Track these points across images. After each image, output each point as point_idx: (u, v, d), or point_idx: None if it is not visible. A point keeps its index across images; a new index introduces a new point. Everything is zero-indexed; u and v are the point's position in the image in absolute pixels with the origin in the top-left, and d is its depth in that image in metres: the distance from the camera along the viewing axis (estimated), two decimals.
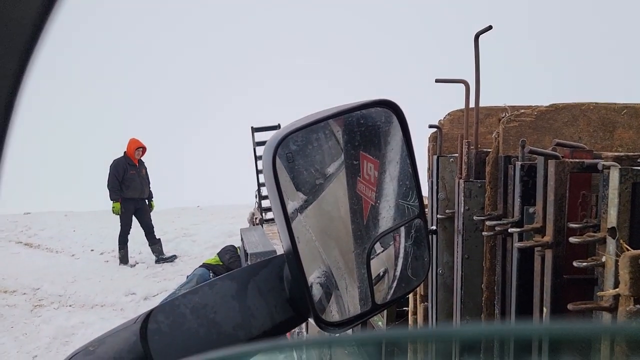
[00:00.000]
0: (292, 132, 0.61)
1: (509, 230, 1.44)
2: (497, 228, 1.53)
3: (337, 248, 0.66)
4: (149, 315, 0.55)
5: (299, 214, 0.61)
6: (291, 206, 0.60)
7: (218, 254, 6.40)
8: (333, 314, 0.64)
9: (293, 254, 0.56)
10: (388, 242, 0.72)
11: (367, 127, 0.66)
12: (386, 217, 0.68)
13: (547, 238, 1.31)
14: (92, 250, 9.15)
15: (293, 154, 0.62)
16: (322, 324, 0.60)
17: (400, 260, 0.72)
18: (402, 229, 0.71)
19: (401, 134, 0.66)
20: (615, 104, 1.75)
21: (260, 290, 0.60)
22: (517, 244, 1.39)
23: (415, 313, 2.13)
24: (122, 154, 8.02)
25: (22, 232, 10.42)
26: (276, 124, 8.18)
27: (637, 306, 1.01)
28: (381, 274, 0.71)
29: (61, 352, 4.82)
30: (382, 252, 0.71)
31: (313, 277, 0.61)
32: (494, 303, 1.64)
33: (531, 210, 1.43)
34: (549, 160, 1.31)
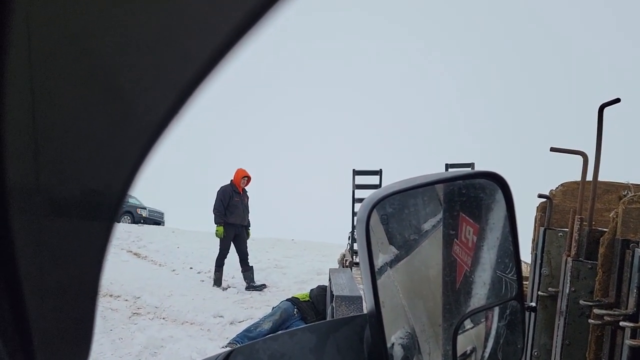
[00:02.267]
0: (390, 195, 0.61)
1: (621, 324, 1.29)
2: (607, 318, 1.38)
3: (425, 310, 0.64)
4: (228, 355, 0.57)
5: (388, 267, 0.60)
6: (382, 259, 0.60)
7: (310, 291, 6.44)
8: None
9: (376, 317, 0.56)
10: (480, 318, 0.68)
11: (469, 195, 0.65)
12: (481, 288, 0.65)
13: None
14: (190, 268, 9.70)
15: (388, 216, 0.62)
16: None
17: (491, 342, 0.68)
18: (497, 308, 0.68)
19: (505, 209, 0.64)
20: None
21: (339, 347, 0.60)
22: (628, 341, 1.24)
23: None
24: (229, 182, 8.52)
25: (134, 242, 11.38)
26: (378, 169, 8.23)
27: None
28: (468, 352, 0.68)
29: None
30: (471, 328, 0.68)
31: (395, 336, 0.60)
32: None
33: None
34: None
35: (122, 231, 12.14)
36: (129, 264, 9.58)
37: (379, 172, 8.15)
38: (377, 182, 8.08)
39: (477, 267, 0.64)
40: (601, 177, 1.75)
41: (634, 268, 1.34)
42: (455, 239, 0.63)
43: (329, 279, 6.11)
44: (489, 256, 0.64)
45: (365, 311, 0.58)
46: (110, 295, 7.23)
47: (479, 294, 0.65)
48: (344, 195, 8.53)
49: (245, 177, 8.55)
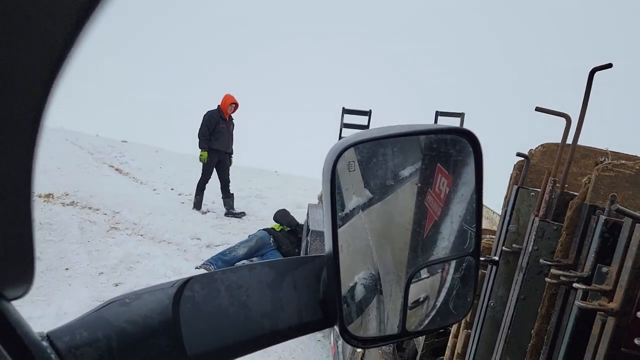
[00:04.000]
0: (359, 143, 0.61)
1: (574, 285, 1.34)
2: (563, 278, 1.43)
3: (392, 255, 0.65)
4: (186, 282, 0.57)
5: (361, 210, 0.61)
6: (355, 201, 0.60)
7: (274, 217, 6.58)
8: (360, 327, 0.64)
9: (333, 260, 0.57)
10: (436, 269, 0.70)
11: (448, 148, 0.64)
12: (446, 238, 0.66)
13: (614, 305, 1.21)
14: (172, 189, 9.76)
15: (365, 161, 0.62)
16: (346, 335, 0.60)
17: (444, 292, 0.70)
18: (454, 260, 0.69)
19: (474, 167, 0.64)
20: None
21: (296, 285, 0.61)
22: (579, 302, 1.30)
23: (456, 337, 2.07)
24: (215, 107, 8.39)
25: (116, 157, 11.31)
26: (368, 109, 8.15)
27: None
28: (421, 299, 0.69)
29: (124, 275, 5.23)
30: (427, 277, 0.69)
31: (359, 276, 0.62)
32: (540, 352, 1.55)
33: (604, 270, 1.32)
34: (637, 225, 1.20)
35: (105, 145, 12.04)
36: (110, 178, 9.58)
37: (368, 113, 8.06)
38: (366, 123, 8.01)
39: (445, 219, 0.65)
40: (584, 143, 1.76)
41: (596, 234, 1.37)
42: (429, 189, 0.63)
43: (307, 214, 6.23)
44: (457, 209, 0.65)
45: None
46: (90, 208, 7.28)
47: (443, 245, 0.66)
48: (332, 132, 8.49)
49: (233, 103, 8.41)
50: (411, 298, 0.64)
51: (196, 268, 5.67)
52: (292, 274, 0.61)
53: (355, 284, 0.61)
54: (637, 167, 1.51)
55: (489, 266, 1.85)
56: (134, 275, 5.25)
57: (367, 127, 7.69)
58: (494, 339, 1.78)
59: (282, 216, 6.52)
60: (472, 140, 0.63)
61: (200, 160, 8.39)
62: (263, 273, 0.60)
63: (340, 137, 8.25)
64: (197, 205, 8.49)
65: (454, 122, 7.84)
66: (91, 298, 4.52)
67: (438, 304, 0.69)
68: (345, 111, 8.04)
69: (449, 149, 0.65)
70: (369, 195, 0.61)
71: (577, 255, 1.48)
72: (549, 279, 1.51)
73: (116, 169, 10.50)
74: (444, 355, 2.16)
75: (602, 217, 1.36)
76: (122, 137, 13.85)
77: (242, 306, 0.56)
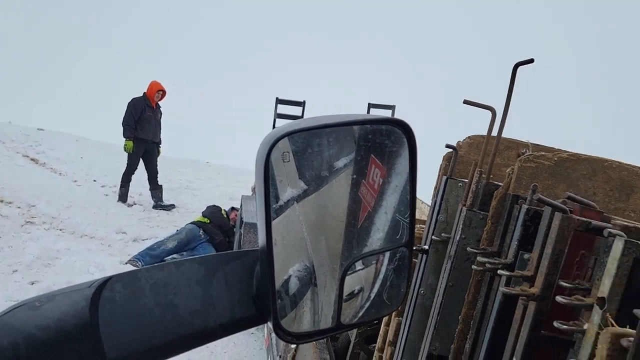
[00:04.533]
0: (294, 132, 0.59)
1: (498, 272, 1.40)
2: (488, 265, 1.49)
3: (326, 246, 0.63)
4: (106, 281, 0.53)
5: (295, 202, 0.59)
6: (289, 193, 0.59)
7: (203, 213, 6.44)
8: (297, 321, 0.62)
9: (267, 253, 0.55)
10: (371, 260, 0.69)
11: (382, 139, 0.64)
12: (379, 230, 0.65)
13: (535, 290, 1.27)
14: (94, 180, 9.24)
15: (300, 151, 0.60)
16: (280, 331, 0.58)
17: (378, 284, 0.70)
18: (388, 252, 0.69)
19: (408, 158, 0.64)
20: (639, 167, 1.69)
21: (227, 281, 0.58)
22: (503, 288, 1.35)
23: (388, 325, 2.11)
24: (141, 94, 8.02)
25: (32, 147, 10.53)
26: (302, 100, 8.14)
27: None
28: (356, 291, 0.69)
29: (41, 272, 4.90)
30: (362, 269, 0.69)
31: (294, 269, 0.60)
32: (467, 337, 1.61)
33: (526, 256, 1.39)
34: (556, 213, 1.27)
35: (19, 133, 11.17)
36: (25, 169, 8.90)
37: (302, 104, 8.05)
38: (300, 114, 8.01)
39: (379, 210, 0.65)
40: (509, 135, 1.84)
41: (518, 222, 1.44)
42: (363, 180, 0.63)
43: (240, 206, 6.13)
44: (391, 200, 0.65)
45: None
46: (1, 201, 6.73)
47: (377, 236, 0.66)
48: (266, 123, 8.40)
49: (160, 90, 8.07)
50: (346, 290, 0.64)
51: (123, 264, 5.42)
52: (223, 269, 0.59)
53: (290, 276, 0.60)
54: (556, 159, 1.59)
55: (419, 255, 1.90)
56: (52, 273, 4.92)
57: (301, 117, 7.68)
58: (424, 326, 1.83)
59: (213, 215, 6.37)
60: (406, 130, 0.63)
61: (126, 150, 8.01)
62: (192, 270, 0.57)
63: (274, 128, 8.18)
64: (123, 197, 8.11)
65: (386, 114, 8.02)
66: (4, 298, 4.19)
67: (372, 295, 0.69)
68: (279, 101, 7.98)
69: (383, 140, 0.64)
70: (304, 187, 0.60)
71: (501, 243, 1.55)
72: (475, 267, 1.56)
73: (32, 159, 9.77)
74: (376, 343, 2.20)
75: (524, 206, 1.42)
76: (38, 124, 12.91)
77: (169, 305, 0.53)
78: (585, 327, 1.11)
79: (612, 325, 1.03)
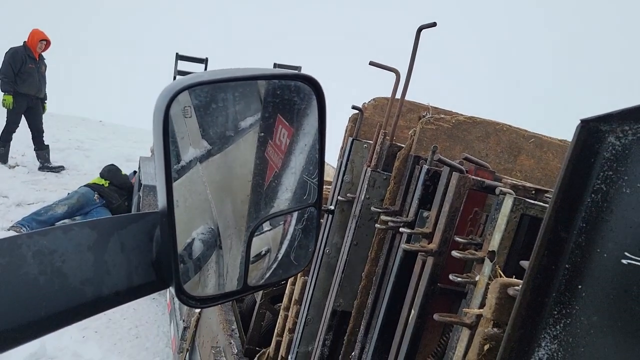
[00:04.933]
0: (197, 84, 0.54)
1: (400, 230, 1.45)
2: (390, 224, 1.54)
3: (232, 208, 0.61)
4: None
5: (198, 162, 0.56)
6: (192, 153, 0.56)
7: (101, 173, 6.04)
8: (199, 285, 0.60)
9: (168, 216, 0.51)
10: (278, 221, 0.68)
11: (285, 97, 0.62)
12: (287, 190, 0.64)
13: (432, 246, 1.34)
14: None
15: (203, 108, 0.56)
16: (183, 295, 0.56)
17: (286, 244, 0.70)
18: (296, 212, 0.69)
19: (317, 115, 0.63)
20: (525, 130, 1.83)
21: (123, 246, 0.54)
22: (403, 245, 1.41)
23: (293, 284, 2.13)
24: (21, 44, 7.18)
25: None
26: (204, 57, 7.78)
27: (494, 329, 1.06)
28: (263, 252, 0.68)
29: None
30: (269, 230, 0.68)
31: (197, 231, 0.58)
32: (369, 293, 1.67)
33: (425, 214, 1.45)
34: (454, 172, 1.33)
35: None
36: None
37: (204, 61, 7.71)
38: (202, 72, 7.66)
39: (286, 170, 0.64)
40: (414, 98, 1.88)
41: (419, 182, 1.49)
42: (269, 140, 0.61)
43: (139, 167, 5.81)
44: (298, 160, 0.65)
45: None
46: None
47: (284, 197, 0.65)
48: (166, 80, 7.93)
49: (43, 40, 7.27)
50: (253, 252, 0.63)
51: (5, 230, 4.94)
52: (119, 234, 0.55)
53: (193, 240, 0.57)
54: (454, 122, 1.67)
55: (325, 215, 1.92)
56: None
57: None
58: (329, 284, 1.87)
59: (112, 174, 5.96)
60: (315, 87, 0.62)
61: (4, 106, 7.18)
62: (82, 235, 0.52)
63: None
64: (3, 158, 7.32)
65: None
66: None
67: (280, 256, 0.69)
68: (179, 57, 7.59)
69: (292, 96, 0.62)
70: (207, 147, 0.57)
71: (402, 202, 1.61)
72: (378, 225, 1.61)
73: None
74: (281, 303, 2.23)
75: (425, 167, 1.48)
76: None
77: (56, 273, 0.49)
78: (477, 279, 1.19)
79: (501, 277, 1.11)
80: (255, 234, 0.62)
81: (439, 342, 1.40)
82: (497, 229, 1.18)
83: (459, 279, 1.21)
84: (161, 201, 0.52)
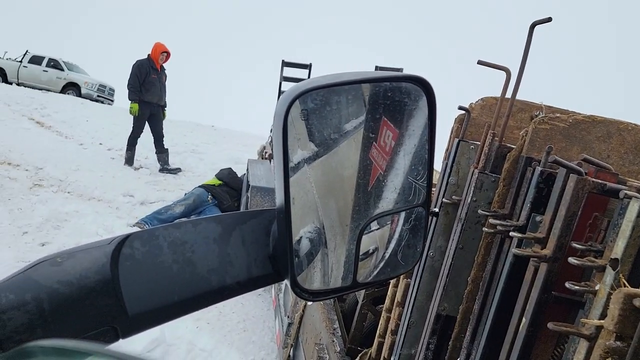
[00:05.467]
0: (313, 89, 0.58)
1: (510, 234, 1.40)
2: (499, 227, 1.49)
3: (336, 208, 0.63)
4: (125, 239, 0.54)
5: (305, 164, 0.59)
6: (299, 155, 0.58)
7: (219, 177, 6.45)
8: (311, 280, 0.63)
9: (285, 212, 0.55)
10: (386, 221, 0.69)
11: (394, 99, 0.63)
12: (391, 192, 0.65)
13: (547, 251, 1.27)
14: (100, 143, 9.25)
15: (310, 111, 0.59)
16: (297, 289, 0.59)
17: (393, 243, 0.70)
18: (403, 212, 0.69)
19: (427, 116, 0.63)
20: None
21: (244, 240, 0.58)
22: (514, 250, 1.35)
23: (396, 286, 2.13)
24: (145, 56, 7.92)
25: (37, 109, 10.51)
26: (308, 62, 8.02)
27: (617, 343, 0.99)
28: (370, 251, 0.69)
29: (51, 234, 4.96)
30: (377, 229, 0.69)
31: (304, 230, 0.60)
32: (476, 298, 1.63)
33: (538, 219, 1.38)
34: (571, 174, 1.25)
35: (24, 96, 11.12)
36: (31, 132, 8.91)
37: (308, 66, 7.95)
38: (306, 77, 7.92)
39: (390, 172, 0.64)
40: (522, 97, 1.80)
41: (531, 184, 1.42)
42: (374, 142, 0.62)
43: (247, 169, 6.14)
44: (403, 162, 0.65)
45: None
46: (9, 164, 6.76)
47: (389, 198, 0.66)
48: (272, 86, 8.29)
49: (164, 52, 7.96)
50: (361, 250, 0.64)
51: (130, 227, 5.48)
52: (240, 228, 0.59)
53: (301, 237, 0.60)
54: (571, 121, 1.57)
55: (430, 218, 1.90)
56: (62, 234, 4.98)
57: None
58: (433, 287, 1.84)
59: (230, 178, 6.37)
60: (426, 88, 0.62)
61: (131, 113, 7.97)
62: (209, 228, 0.57)
63: (279, 91, 8.13)
64: (129, 160, 8.12)
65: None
66: (15, 259, 4.26)
67: (387, 255, 0.69)
68: (285, 64, 7.89)
69: (403, 98, 0.63)
70: (314, 148, 0.60)
71: (513, 205, 1.54)
72: (486, 229, 1.56)
73: (37, 122, 9.75)
74: (383, 304, 2.24)
75: (538, 168, 1.41)
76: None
77: (187, 262, 0.54)
78: (597, 287, 1.11)
79: (625, 286, 1.03)
80: (365, 232, 0.64)
81: (553, 354, 1.33)
82: (620, 235, 1.09)
83: (577, 287, 1.14)
84: (279, 198, 0.55)
